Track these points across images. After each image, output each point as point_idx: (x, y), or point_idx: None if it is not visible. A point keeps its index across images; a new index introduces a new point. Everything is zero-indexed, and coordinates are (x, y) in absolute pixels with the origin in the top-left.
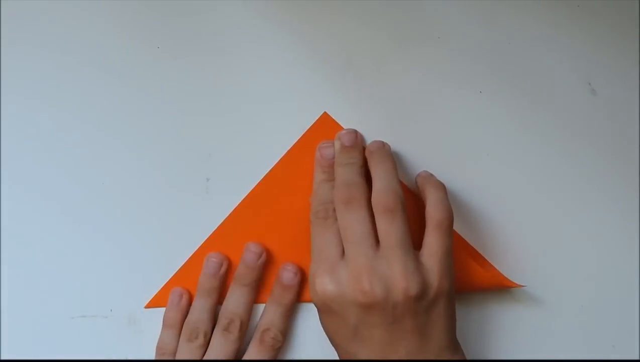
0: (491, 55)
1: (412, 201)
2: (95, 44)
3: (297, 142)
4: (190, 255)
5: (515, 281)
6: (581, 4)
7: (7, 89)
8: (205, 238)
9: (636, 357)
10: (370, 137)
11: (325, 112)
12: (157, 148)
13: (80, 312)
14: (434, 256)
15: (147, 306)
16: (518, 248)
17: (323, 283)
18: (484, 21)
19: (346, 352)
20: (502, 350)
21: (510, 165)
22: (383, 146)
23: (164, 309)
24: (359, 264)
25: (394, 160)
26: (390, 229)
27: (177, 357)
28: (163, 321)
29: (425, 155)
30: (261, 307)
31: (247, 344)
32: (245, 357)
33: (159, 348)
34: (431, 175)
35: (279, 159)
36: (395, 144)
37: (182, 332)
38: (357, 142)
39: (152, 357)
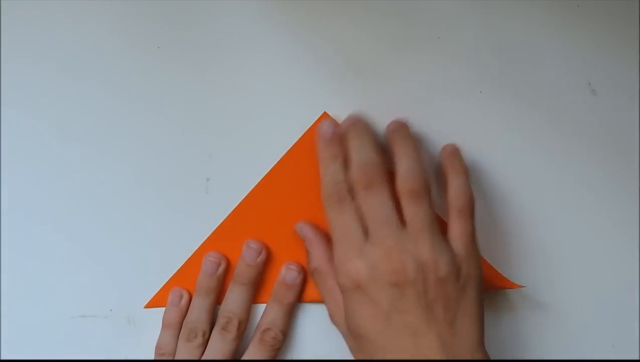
0: (491, 55)
1: None
2: (96, 44)
3: (297, 142)
4: (190, 255)
5: (515, 281)
6: (581, 4)
7: (7, 89)
8: (205, 238)
9: (636, 357)
10: None
11: (325, 112)
12: (157, 148)
13: (80, 312)
14: (459, 240)
15: (147, 306)
16: (518, 248)
17: (355, 266)
18: (484, 21)
19: (374, 346)
20: (502, 350)
21: (510, 165)
22: (405, 125)
23: (163, 309)
24: (388, 244)
25: (416, 140)
26: (418, 211)
27: (177, 357)
28: (162, 321)
29: (424, 155)
30: (262, 306)
31: (248, 344)
32: (244, 357)
33: (158, 348)
34: (455, 154)
35: (279, 159)
36: None
37: (181, 332)
38: (365, 119)
39: (152, 357)
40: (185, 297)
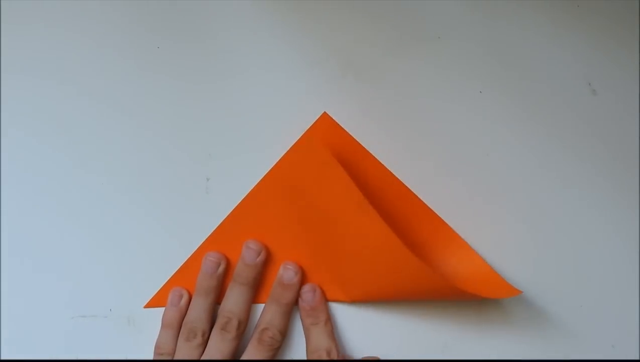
0: (491, 55)
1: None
2: (96, 44)
3: (297, 142)
4: (190, 255)
5: (515, 282)
6: (581, 4)
7: (7, 90)
8: (205, 238)
9: (636, 357)
10: (370, 137)
11: (325, 112)
12: (157, 148)
13: (80, 312)
14: None
15: (147, 306)
16: (518, 247)
17: None
18: (484, 21)
19: None
20: (502, 350)
21: (510, 165)
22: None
23: (163, 309)
24: None
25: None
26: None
27: (176, 357)
28: (162, 321)
29: (425, 155)
30: (262, 307)
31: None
32: (243, 357)
33: (157, 347)
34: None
35: (279, 159)
36: (395, 144)
37: (181, 331)
38: (315, 300)
39: (152, 357)
40: (185, 297)
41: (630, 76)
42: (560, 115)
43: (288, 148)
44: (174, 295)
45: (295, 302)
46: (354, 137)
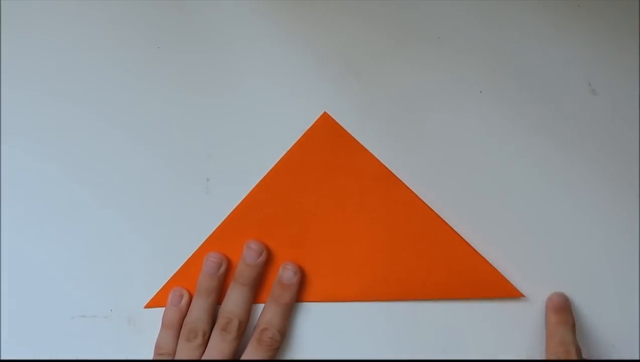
0: (491, 55)
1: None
2: (96, 43)
3: (297, 142)
4: (190, 255)
5: (516, 283)
6: (581, 4)
7: (8, 90)
8: (205, 238)
9: (636, 357)
10: (369, 137)
11: (325, 112)
12: (157, 148)
13: (80, 312)
14: None
15: (147, 306)
16: (518, 247)
17: None
18: (484, 21)
19: None
20: (501, 350)
21: (510, 165)
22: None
23: (164, 309)
24: None
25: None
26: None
27: (177, 357)
28: (162, 321)
29: (425, 155)
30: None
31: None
32: (243, 357)
33: (157, 348)
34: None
35: (279, 159)
36: (395, 144)
37: (181, 331)
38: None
39: (152, 357)
40: (186, 297)
41: (630, 76)
42: (560, 115)
43: (288, 148)
44: (174, 295)
45: (294, 302)
46: (354, 137)
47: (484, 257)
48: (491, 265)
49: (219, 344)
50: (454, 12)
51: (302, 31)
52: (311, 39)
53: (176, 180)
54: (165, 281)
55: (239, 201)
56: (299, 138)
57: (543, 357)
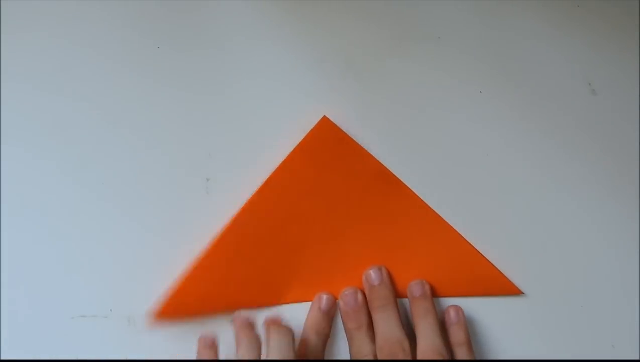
0: (491, 55)
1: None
2: (96, 43)
3: (297, 146)
4: (193, 258)
5: (515, 282)
6: (581, 4)
7: (8, 90)
8: (206, 238)
9: (636, 357)
10: (369, 137)
11: (325, 116)
12: (157, 148)
13: (80, 312)
14: None
15: (158, 317)
16: (518, 247)
17: None
18: (484, 21)
19: None
20: (501, 350)
21: (510, 165)
22: (424, 292)
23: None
24: None
25: (435, 306)
26: None
27: None
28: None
29: (425, 155)
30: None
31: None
32: None
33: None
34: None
35: (279, 163)
36: (395, 144)
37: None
38: (383, 278)
39: (152, 357)
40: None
41: (630, 76)
42: (560, 115)
43: (288, 147)
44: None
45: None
46: (354, 139)
47: (483, 256)
48: (491, 263)
49: None
50: (454, 12)
51: (302, 31)
52: (311, 39)
53: (176, 180)
54: (165, 281)
55: (239, 201)
56: (299, 142)
57: (542, 357)
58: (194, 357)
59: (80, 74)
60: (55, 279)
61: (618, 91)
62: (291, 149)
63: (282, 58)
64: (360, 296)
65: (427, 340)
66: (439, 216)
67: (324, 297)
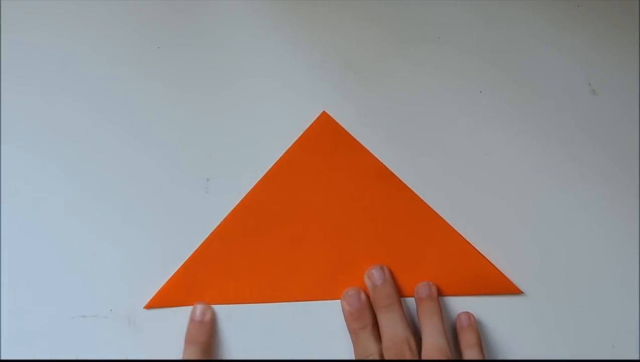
0: (491, 55)
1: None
2: (96, 43)
3: (296, 141)
4: (190, 254)
5: (516, 282)
6: (581, 4)
7: (8, 90)
8: (205, 237)
9: (636, 357)
10: (369, 136)
11: (324, 111)
12: (157, 148)
13: (80, 312)
14: None
15: (147, 306)
16: (518, 248)
17: None
18: (484, 21)
19: None
20: (501, 349)
21: (510, 165)
22: (431, 293)
23: (162, 309)
24: None
25: (441, 307)
26: None
27: None
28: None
29: (425, 154)
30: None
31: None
32: None
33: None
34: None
35: (278, 158)
36: (394, 143)
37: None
38: (386, 277)
39: (152, 357)
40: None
41: (630, 76)
42: (560, 115)
43: (288, 148)
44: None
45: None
46: (354, 136)
47: (483, 255)
48: (490, 262)
49: None
50: (454, 12)
51: (303, 31)
52: (311, 39)
53: (176, 180)
54: (165, 281)
55: (239, 201)
56: (297, 138)
57: (542, 357)
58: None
59: (80, 74)
60: (55, 279)
61: (618, 91)
62: None
63: (282, 58)
64: (363, 296)
65: (433, 340)
66: (438, 215)
67: (197, 307)
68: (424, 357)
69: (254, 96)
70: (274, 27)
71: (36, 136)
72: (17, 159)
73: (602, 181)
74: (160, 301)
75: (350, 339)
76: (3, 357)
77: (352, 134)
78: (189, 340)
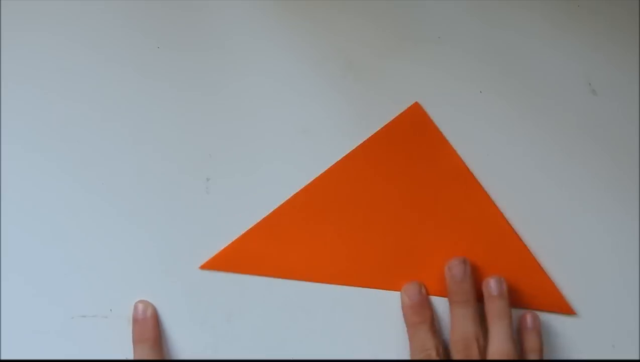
0: (491, 55)
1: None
2: (96, 44)
3: (383, 127)
4: (189, 255)
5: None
6: (581, 4)
7: (8, 90)
8: (206, 238)
9: (636, 357)
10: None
11: (416, 102)
12: (157, 148)
13: (80, 312)
14: None
15: (202, 267)
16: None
17: None
18: (484, 21)
19: None
20: None
21: (510, 165)
22: (501, 291)
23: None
24: None
25: (510, 308)
26: None
27: None
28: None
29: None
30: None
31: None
32: None
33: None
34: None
35: (359, 144)
36: None
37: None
38: (468, 272)
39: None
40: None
41: (630, 76)
42: (560, 115)
43: (288, 148)
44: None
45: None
46: (443, 134)
47: (545, 271)
48: (552, 280)
49: None
50: (454, 12)
51: (303, 32)
52: (311, 39)
53: (176, 180)
54: (164, 282)
55: (240, 201)
56: (384, 125)
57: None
58: (194, 358)
59: (80, 74)
60: (55, 279)
61: (618, 91)
62: (292, 149)
63: (283, 58)
64: (424, 291)
65: (501, 343)
66: (510, 225)
67: (137, 306)
68: (489, 358)
69: (254, 96)
70: (274, 27)
71: (36, 136)
72: (17, 159)
73: (602, 181)
74: (216, 264)
75: (350, 339)
76: (3, 357)
77: (353, 133)
78: (137, 339)
